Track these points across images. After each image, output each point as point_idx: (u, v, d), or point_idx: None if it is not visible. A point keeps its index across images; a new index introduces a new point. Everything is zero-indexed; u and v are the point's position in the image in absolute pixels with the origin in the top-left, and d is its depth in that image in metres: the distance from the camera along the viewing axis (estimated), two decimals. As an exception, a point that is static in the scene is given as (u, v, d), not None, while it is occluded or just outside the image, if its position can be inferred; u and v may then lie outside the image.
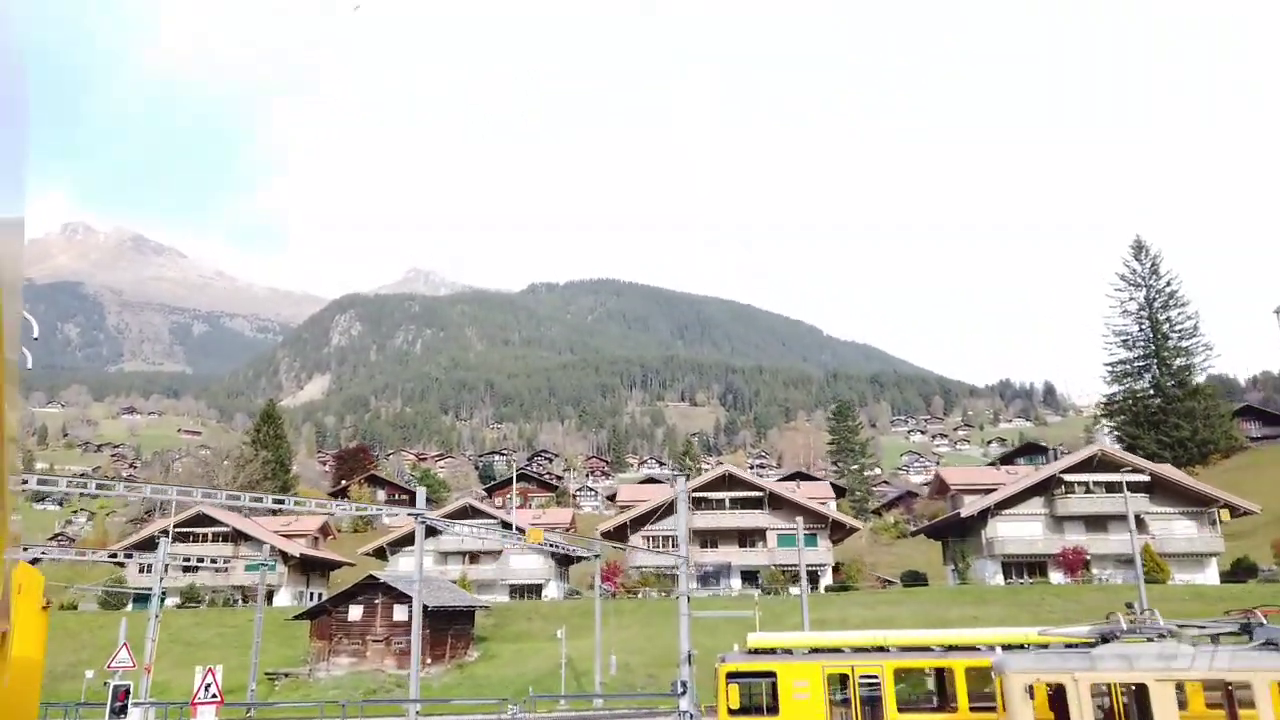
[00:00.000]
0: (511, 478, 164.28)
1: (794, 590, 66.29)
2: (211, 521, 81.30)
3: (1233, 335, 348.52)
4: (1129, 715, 17.86)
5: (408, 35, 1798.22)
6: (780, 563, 70.78)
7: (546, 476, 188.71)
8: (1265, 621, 17.87)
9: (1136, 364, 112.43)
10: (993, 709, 20.19)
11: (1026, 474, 78.67)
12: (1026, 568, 66.75)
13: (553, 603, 73.72)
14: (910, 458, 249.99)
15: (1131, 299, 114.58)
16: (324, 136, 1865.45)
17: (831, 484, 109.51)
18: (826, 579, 71.02)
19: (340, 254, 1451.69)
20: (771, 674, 22.90)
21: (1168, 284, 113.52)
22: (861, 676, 22.50)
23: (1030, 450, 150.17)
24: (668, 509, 63.39)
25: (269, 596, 72.07)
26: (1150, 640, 17.13)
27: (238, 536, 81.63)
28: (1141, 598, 40.01)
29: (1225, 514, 63.26)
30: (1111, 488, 64.84)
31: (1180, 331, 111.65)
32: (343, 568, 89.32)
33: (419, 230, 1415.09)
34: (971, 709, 21.70)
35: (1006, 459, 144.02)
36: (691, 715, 29.23)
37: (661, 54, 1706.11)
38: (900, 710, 22.22)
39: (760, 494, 75.64)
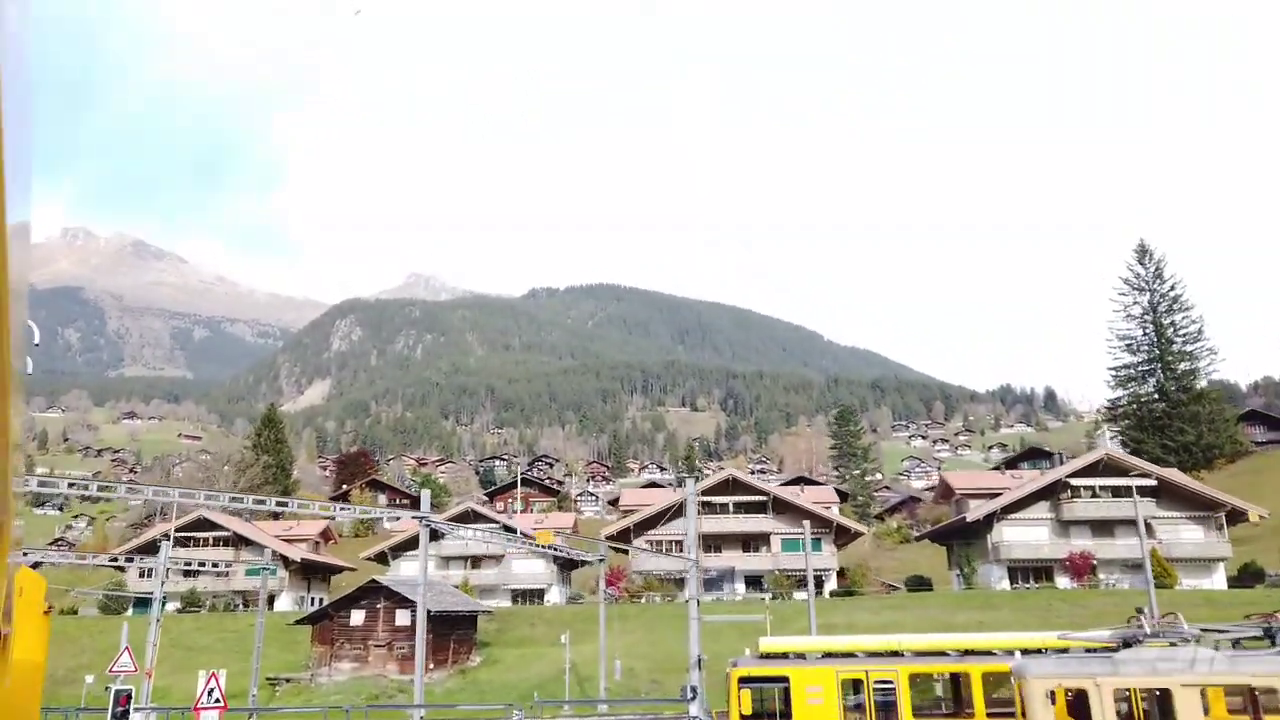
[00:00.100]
0: (511, 482, 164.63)
1: (798, 595, 65.90)
2: (212, 526, 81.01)
3: (1233, 339, 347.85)
4: (1151, 721, 17.54)
5: (408, 36, 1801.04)
6: (784, 567, 70.49)
7: (547, 481, 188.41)
8: (1288, 626, 17.58)
9: (1141, 368, 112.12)
10: (1009, 714, 19.87)
11: (1032, 478, 78.17)
12: (1032, 572, 66.35)
13: (555, 608, 73.36)
14: (911, 463, 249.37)
15: (1135, 303, 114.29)
16: (324, 137, 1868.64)
17: (834, 489, 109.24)
18: (831, 584, 70.71)
19: (341, 258, 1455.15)
20: (784, 679, 22.63)
21: (1172, 288, 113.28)
22: (876, 682, 22.21)
23: (1033, 455, 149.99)
24: (672, 513, 63.01)
25: (270, 601, 71.60)
26: (1174, 645, 16.81)
27: (239, 541, 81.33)
28: (1151, 602, 39.69)
29: (1255, 515, 62.43)
30: (1118, 492, 64.56)
31: (1185, 336, 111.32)
32: (344, 572, 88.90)
33: (419, 231, 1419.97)
34: (988, 714, 21.39)
35: (1010, 464, 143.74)
36: (700, 721, 28.89)
37: (661, 54, 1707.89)
38: (915, 715, 21.92)
39: (764, 498, 75.36)
